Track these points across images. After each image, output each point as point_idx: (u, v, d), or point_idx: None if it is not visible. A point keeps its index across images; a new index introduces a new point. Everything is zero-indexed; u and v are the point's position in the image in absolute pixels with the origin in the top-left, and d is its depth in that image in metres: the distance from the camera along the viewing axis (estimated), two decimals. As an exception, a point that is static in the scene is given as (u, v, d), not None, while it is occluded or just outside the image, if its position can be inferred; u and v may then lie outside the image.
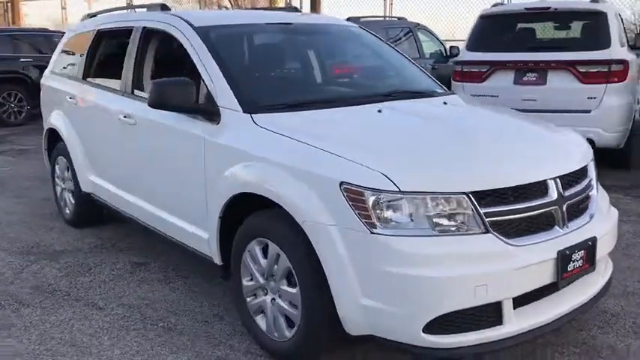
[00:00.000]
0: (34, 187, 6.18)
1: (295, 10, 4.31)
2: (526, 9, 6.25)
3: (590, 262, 2.57)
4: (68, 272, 3.91)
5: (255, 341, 2.90)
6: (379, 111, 2.96)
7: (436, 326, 2.25)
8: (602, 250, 2.66)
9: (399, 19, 8.39)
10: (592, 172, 2.82)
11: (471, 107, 3.52)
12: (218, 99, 2.98)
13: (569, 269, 2.45)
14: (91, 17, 4.92)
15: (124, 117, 3.64)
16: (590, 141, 4.81)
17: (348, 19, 6.40)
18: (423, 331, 2.25)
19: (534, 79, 5.92)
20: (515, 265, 2.30)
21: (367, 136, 2.69)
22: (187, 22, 3.40)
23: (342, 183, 2.32)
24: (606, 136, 5.68)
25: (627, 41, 6.55)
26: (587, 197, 2.73)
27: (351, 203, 2.30)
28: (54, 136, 4.91)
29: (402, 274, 2.22)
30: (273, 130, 2.72)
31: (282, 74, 3.65)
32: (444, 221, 2.28)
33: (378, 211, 2.27)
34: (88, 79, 4.38)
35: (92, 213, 4.73)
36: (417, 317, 2.24)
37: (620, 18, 6.53)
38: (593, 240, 2.56)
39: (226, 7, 31.90)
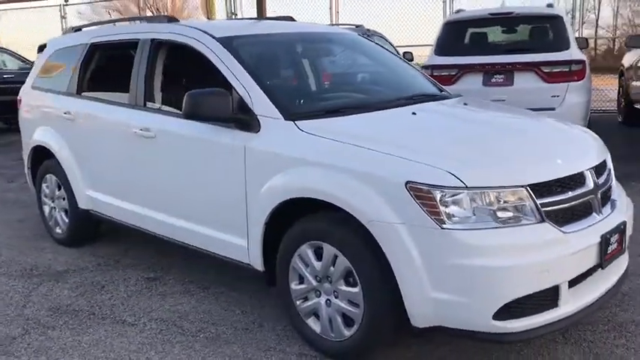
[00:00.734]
0: (3, 210, 5.93)
1: (290, 19, 4.38)
2: (490, 14, 6.60)
3: (621, 244, 2.80)
4: (81, 292, 3.81)
5: (307, 344, 2.96)
6: (413, 113, 3.10)
7: (505, 312, 2.40)
8: (629, 232, 2.91)
9: (357, 26, 8.60)
10: (610, 164, 3.07)
11: (490, 107, 3.70)
12: (255, 107, 3.02)
13: (609, 251, 2.67)
14: (76, 31, 4.80)
15: (140, 130, 3.59)
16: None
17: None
18: (493, 318, 2.39)
19: (502, 80, 6.25)
20: (569, 250, 2.48)
21: (415, 136, 2.82)
22: (207, 33, 3.42)
23: (407, 182, 2.43)
24: (570, 131, 6.07)
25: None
26: (610, 186, 2.97)
27: (418, 201, 2.41)
28: (39, 154, 4.75)
29: (473, 265, 2.35)
30: (322, 135, 2.79)
31: (308, 81, 3.73)
32: (506, 213, 2.44)
33: (445, 207, 2.39)
34: (85, 94, 4.27)
35: (87, 230, 4.62)
36: (488, 305, 2.38)
37: None
38: (624, 224, 2.80)
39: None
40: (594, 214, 2.70)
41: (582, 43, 7.09)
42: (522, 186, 2.45)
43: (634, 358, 2.75)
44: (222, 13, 17.21)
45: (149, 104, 3.70)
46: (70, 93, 4.37)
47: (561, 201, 2.56)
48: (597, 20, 28.04)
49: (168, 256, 4.31)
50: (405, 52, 9.21)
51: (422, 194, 2.41)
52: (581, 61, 6.18)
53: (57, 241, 4.75)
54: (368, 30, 9.24)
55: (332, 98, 3.52)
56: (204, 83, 3.37)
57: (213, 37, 3.38)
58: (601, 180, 2.82)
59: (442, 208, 2.39)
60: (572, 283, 2.56)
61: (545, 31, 6.52)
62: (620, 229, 2.76)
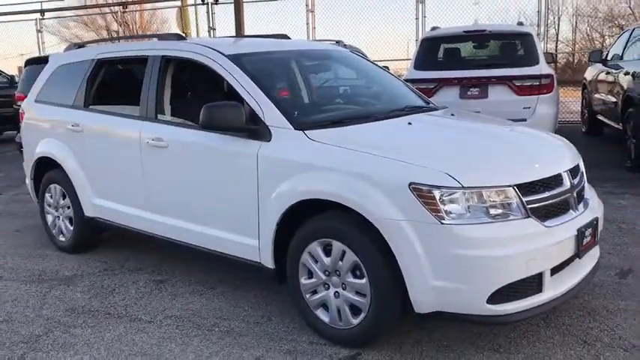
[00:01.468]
0: (-1, 220, 6.10)
1: (285, 37, 4.70)
2: (465, 32, 7.04)
3: (594, 237, 3.17)
4: (94, 294, 4.02)
5: (316, 333, 3.24)
6: (409, 123, 3.44)
7: (497, 297, 2.73)
8: (600, 227, 3.29)
9: (336, 42, 8.97)
10: (582, 167, 3.45)
11: (475, 117, 4.06)
12: (266, 119, 3.32)
13: (584, 243, 3.03)
14: (79, 47, 5.03)
15: (153, 140, 3.85)
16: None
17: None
18: (487, 302, 2.72)
19: (477, 93, 6.67)
20: (551, 241, 2.84)
21: (414, 143, 3.16)
22: (217, 50, 3.71)
23: (411, 183, 2.76)
24: (540, 140, 6.52)
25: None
26: (583, 186, 3.35)
27: (420, 200, 2.74)
28: (42, 165, 4.95)
29: (469, 255, 2.68)
30: (330, 143, 3.10)
31: (311, 94, 4.04)
32: (496, 210, 2.78)
33: (444, 205, 2.72)
34: (92, 107, 4.50)
35: (91, 238, 4.83)
36: (483, 291, 2.71)
37: None
38: (597, 219, 3.18)
39: (116, 32, 31.38)
40: (571, 210, 3.06)
41: (549, 57, 7.58)
42: (510, 186, 2.80)
43: (607, 339, 3.11)
44: (195, 27, 17.51)
45: (160, 116, 3.95)
46: (76, 106, 4.59)
47: (543, 199, 2.91)
48: (557, 35, 29.14)
49: (170, 260, 4.55)
50: (383, 67, 9.61)
51: (423, 194, 2.74)
52: (550, 75, 6.65)
53: (60, 248, 4.94)
54: (345, 45, 9.63)
55: (334, 110, 3.85)
56: (213, 96, 3.67)
57: (223, 55, 3.67)
58: (576, 181, 3.20)
59: (441, 206, 2.72)
60: (554, 271, 2.91)
61: (517, 47, 6.99)
62: (593, 224, 3.14)
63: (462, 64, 6.86)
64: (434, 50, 7.06)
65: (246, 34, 12.98)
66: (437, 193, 2.73)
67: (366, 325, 3.01)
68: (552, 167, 3.06)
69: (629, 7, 25.22)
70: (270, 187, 3.26)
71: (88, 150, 4.47)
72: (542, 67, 6.64)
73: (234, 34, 13.05)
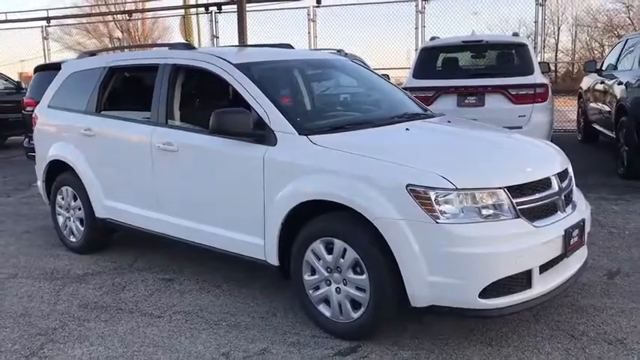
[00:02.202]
0: (5, 222, 6.26)
1: (289, 46, 4.91)
2: (463, 42, 7.26)
3: (581, 237, 3.37)
4: (105, 291, 4.20)
5: (319, 327, 3.42)
6: (407, 129, 3.64)
7: (488, 292, 2.91)
8: (587, 229, 3.48)
9: (337, 50, 9.18)
10: (571, 171, 3.64)
11: (470, 124, 4.26)
12: (272, 124, 3.52)
13: (571, 243, 3.22)
14: (91, 55, 5.24)
15: (163, 144, 4.04)
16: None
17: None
18: (479, 296, 2.91)
19: (474, 101, 6.88)
20: (540, 240, 3.03)
21: (411, 148, 3.36)
22: (225, 59, 3.91)
23: (408, 185, 2.95)
24: (536, 147, 6.73)
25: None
26: (572, 190, 3.54)
27: (417, 201, 2.93)
28: (54, 168, 5.15)
29: (462, 253, 2.87)
30: (332, 147, 3.30)
31: (314, 101, 4.24)
32: (488, 210, 2.97)
33: (439, 205, 2.92)
34: (104, 112, 4.70)
35: (102, 238, 5.02)
36: (475, 285, 2.89)
37: None
38: (583, 221, 3.37)
39: (118, 39, 31.72)
40: (559, 212, 3.25)
41: (544, 67, 7.80)
42: (501, 188, 2.99)
43: (592, 333, 3.30)
44: (197, 35, 17.77)
45: (170, 121, 4.15)
46: (89, 111, 4.79)
47: (532, 200, 3.10)
48: (557, 44, 29.43)
49: (177, 260, 4.74)
50: (382, 75, 9.83)
51: (420, 195, 2.93)
52: (544, 85, 6.86)
53: (71, 249, 5.12)
54: (346, 54, 9.85)
55: (335, 116, 4.05)
56: (220, 103, 3.86)
57: (231, 64, 3.87)
58: (564, 184, 3.39)
59: (436, 206, 2.91)
60: (543, 269, 3.09)
61: (512, 57, 7.20)
62: (580, 225, 3.33)
63: (460, 73, 7.07)
64: (432, 59, 7.28)
65: (249, 42, 13.22)
66: (432, 194, 2.92)
67: (366, 319, 3.19)
68: (542, 171, 3.25)
69: (629, 18, 25.54)
70: (275, 189, 3.45)
71: (99, 154, 4.66)
72: (537, 77, 6.86)
73: (236, 42, 13.29)
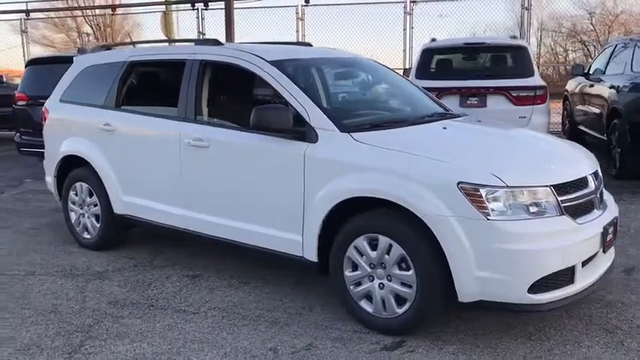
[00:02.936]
0: (6, 219, 6.13)
1: (308, 45, 4.93)
2: (465, 43, 7.39)
3: (615, 234, 3.48)
4: (131, 288, 4.16)
5: (359, 323, 3.46)
6: (444, 128, 3.71)
7: (536, 287, 3.00)
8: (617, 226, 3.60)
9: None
10: (600, 172, 3.76)
11: (499, 124, 4.34)
12: (312, 121, 3.54)
13: (607, 240, 3.34)
14: (107, 49, 5.17)
15: (194, 141, 4.02)
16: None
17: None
18: (528, 292, 2.99)
19: (476, 102, 7.00)
20: (582, 237, 3.13)
21: (455, 146, 3.43)
22: (259, 56, 3.92)
23: (459, 182, 3.01)
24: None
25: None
26: (602, 189, 3.66)
27: (468, 198, 2.99)
28: (67, 163, 5.06)
29: (513, 249, 2.95)
30: (377, 145, 3.34)
31: (348, 99, 4.27)
32: (535, 208, 3.05)
33: (489, 202, 2.99)
34: (125, 107, 4.65)
35: (118, 235, 4.96)
36: (524, 281, 2.97)
37: None
38: (616, 218, 3.49)
39: (87, 34, 31.14)
40: (595, 210, 3.36)
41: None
42: (547, 186, 3.08)
43: (626, 327, 3.41)
44: (179, 32, 17.56)
45: (199, 117, 4.13)
46: (107, 106, 4.73)
47: (574, 198, 3.20)
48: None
49: (197, 257, 4.72)
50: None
51: (471, 192, 2.99)
52: (544, 87, 7.04)
53: (85, 245, 5.04)
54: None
55: (368, 114, 4.08)
56: (250, 99, 3.86)
57: (266, 60, 3.88)
58: (597, 184, 3.50)
59: (487, 203, 2.98)
60: (583, 265, 3.20)
61: (513, 59, 7.36)
62: (614, 222, 3.45)
63: (462, 74, 7.20)
64: (435, 60, 7.39)
65: (236, 40, 13.15)
66: (483, 192, 2.99)
67: (411, 314, 3.24)
68: (579, 170, 3.35)
69: (591, 24, 26.15)
70: (316, 186, 3.48)
71: (119, 149, 4.61)
72: (537, 79, 7.03)
73: (224, 40, 13.22)
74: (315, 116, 3.55)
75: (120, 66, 4.76)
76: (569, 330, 3.40)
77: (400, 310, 3.28)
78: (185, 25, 15.03)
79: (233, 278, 4.30)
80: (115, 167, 4.66)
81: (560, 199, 3.11)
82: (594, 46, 25.37)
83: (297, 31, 13.17)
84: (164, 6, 18.26)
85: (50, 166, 5.28)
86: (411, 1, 12.38)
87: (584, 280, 3.19)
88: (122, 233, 4.99)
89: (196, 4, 13.83)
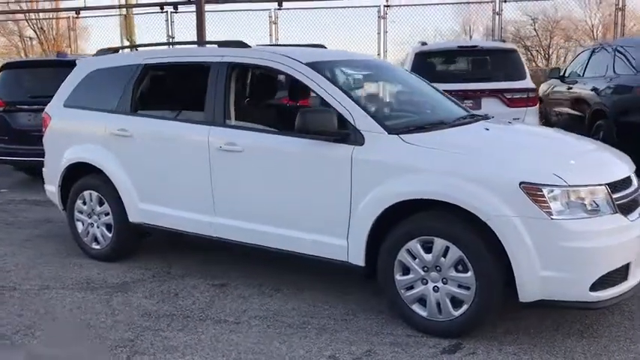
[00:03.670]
0: None
1: (322, 46, 4.88)
2: (459, 47, 7.48)
3: (654, 232, 3.57)
4: (159, 299, 4.00)
5: (410, 326, 3.42)
6: (487, 129, 3.72)
7: (597, 284, 3.04)
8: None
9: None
10: None
11: (532, 125, 4.40)
12: (357, 124, 3.49)
13: (652, 236, 3.42)
14: (114, 52, 4.97)
15: (226, 145, 3.90)
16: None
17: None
18: (590, 289, 3.02)
19: (471, 104, 7.08)
20: (635, 234, 3.19)
21: (507, 147, 3.45)
22: (294, 58, 3.84)
23: (521, 183, 3.02)
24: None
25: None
26: (639, 188, 3.74)
27: (531, 198, 3.00)
28: (72, 171, 4.85)
29: (577, 247, 2.98)
30: (429, 146, 3.32)
31: (387, 101, 4.23)
32: (592, 206, 3.09)
33: (552, 202, 3.01)
34: (142, 112, 4.47)
35: (132, 244, 4.77)
36: (588, 279, 3.01)
37: None
38: (659, 218, 3.58)
39: (30, 37, 30.07)
40: (638, 208, 3.44)
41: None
42: (603, 184, 3.13)
43: (668, 321, 3.51)
44: (141, 36, 17.16)
45: (228, 121, 4.01)
46: (121, 111, 4.54)
47: (623, 197, 3.26)
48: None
49: (215, 265, 4.59)
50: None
51: (533, 192, 3.01)
52: (535, 89, 7.21)
53: (94, 256, 4.82)
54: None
55: (407, 116, 4.06)
56: (285, 101, 3.78)
57: (302, 63, 3.80)
58: (638, 183, 3.58)
59: (550, 202, 3.00)
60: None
61: (505, 62, 7.50)
62: (654, 220, 3.53)
63: (456, 77, 7.28)
64: (428, 64, 7.45)
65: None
66: (545, 191, 3.00)
67: (468, 316, 3.23)
68: (625, 170, 3.43)
69: (534, 29, 26.97)
70: (365, 189, 3.42)
71: (137, 155, 4.43)
72: (529, 82, 7.18)
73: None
74: (360, 119, 3.50)
75: (133, 69, 4.58)
76: (617, 326, 3.45)
77: (457, 313, 3.26)
78: (151, 28, 14.69)
79: (262, 286, 4.18)
80: (131, 174, 4.48)
81: (613, 197, 3.16)
82: (537, 51, 26.29)
83: (271, 35, 13.09)
84: (125, 9, 17.87)
85: (52, 175, 5.04)
86: (384, 6, 12.48)
87: (635, 277, 3.25)
88: (135, 243, 4.80)
89: (165, 7, 13.53)
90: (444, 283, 3.28)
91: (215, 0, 13.05)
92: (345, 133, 3.50)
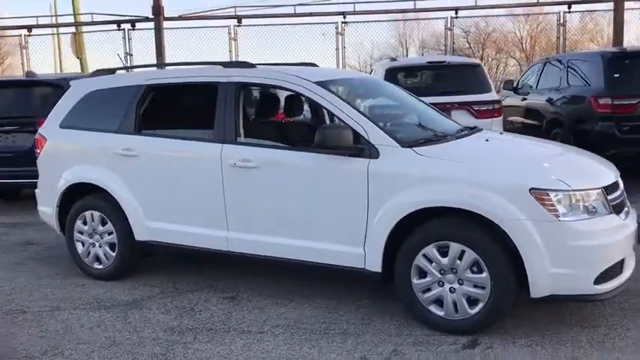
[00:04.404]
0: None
1: (313, 65, 5.11)
2: (428, 62, 7.86)
3: (638, 233, 3.95)
4: (176, 315, 4.08)
5: (429, 327, 3.66)
6: (487, 140, 4.03)
7: (599, 278, 3.36)
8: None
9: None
10: None
11: (521, 136, 4.70)
12: (371, 138, 3.72)
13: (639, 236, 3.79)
14: (109, 73, 5.03)
15: (241, 161, 4.05)
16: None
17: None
18: (594, 283, 3.35)
19: (443, 117, 7.46)
20: (629, 231, 3.55)
21: (510, 156, 3.77)
22: (303, 77, 4.04)
23: (531, 189, 3.33)
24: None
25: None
26: (623, 193, 4.13)
27: (540, 202, 3.31)
28: (70, 192, 4.87)
29: (583, 245, 3.30)
30: (442, 158, 3.59)
31: (393, 116, 4.47)
32: (592, 207, 3.42)
33: (558, 205, 3.32)
34: (147, 132, 4.56)
35: (136, 262, 4.83)
36: (591, 274, 3.33)
37: None
38: (639, 216, 3.96)
39: None
40: (626, 208, 3.81)
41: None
42: (600, 188, 3.48)
43: (653, 310, 3.89)
44: (94, 53, 16.88)
45: (239, 139, 4.16)
46: (125, 131, 4.60)
47: (615, 198, 3.62)
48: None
49: (225, 278, 4.70)
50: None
51: (542, 196, 3.31)
52: (500, 101, 7.66)
53: (96, 276, 4.83)
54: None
55: (412, 130, 4.32)
56: (297, 119, 3.97)
57: (311, 81, 4.01)
58: (622, 186, 3.96)
59: (557, 206, 3.31)
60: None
61: (471, 76, 7.93)
62: (639, 220, 3.92)
63: (426, 91, 7.63)
64: (399, 78, 7.79)
65: (167, 60, 12.93)
66: (552, 195, 3.32)
67: (485, 314, 3.50)
68: (612, 175, 3.79)
69: (467, 42, 28.14)
70: (381, 199, 3.65)
71: (144, 174, 4.50)
72: (494, 94, 7.63)
73: (154, 60, 12.95)
74: (374, 133, 3.73)
75: (135, 90, 4.66)
76: (611, 317, 3.80)
77: (473, 311, 3.53)
78: (106, 45, 14.50)
79: (273, 297, 4.33)
80: (136, 192, 4.55)
81: (608, 198, 3.51)
82: (471, 63, 27.44)
83: (231, 51, 13.21)
84: (74, 27, 17.54)
85: (49, 196, 5.02)
86: (342, 22, 12.83)
87: (628, 270, 3.60)
88: (139, 261, 4.85)
89: (122, 25, 13.43)
90: (460, 284, 3.54)
91: (173, 17, 13.06)
92: (359, 148, 3.73)
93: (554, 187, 3.33)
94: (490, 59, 29.01)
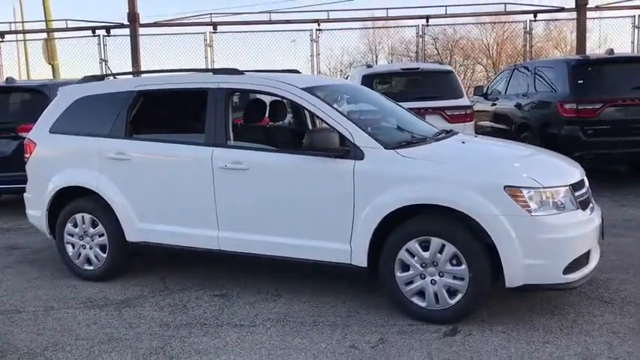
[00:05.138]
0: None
1: (296, 72, 5.33)
2: (402, 69, 8.17)
3: (602, 228, 4.26)
4: (169, 312, 4.24)
5: (411, 317, 3.90)
6: (463, 142, 4.30)
7: (568, 269, 3.66)
8: (601, 221, 4.40)
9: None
10: None
11: (493, 139, 4.99)
12: (356, 141, 3.95)
13: (603, 230, 4.11)
14: (98, 79, 5.17)
15: (231, 164, 4.25)
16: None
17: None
18: (563, 273, 3.64)
19: (417, 121, 7.75)
20: (594, 225, 3.86)
21: (486, 156, 4.05)
22: (290, 84, 4.27)
23: (505, 186, 3.60)
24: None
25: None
26: (588, 191, 4.44)
27: (513, 199, 3.59)
28: (59, 196, 4.99)
29: (553, 238, 3.59)
30: (422, 158, 3.85)
31: (375, 120, 4.71)
32: (561, 203, 3.72)
33: (530, 201, 3.60)
34: (138, 136, 4.72)
35: (125, 264, 4.97)
36: (560, 264, 3.62)
37: None
38: (603, 214, 4.28)
39: None
40: (591, 205, 4.12)
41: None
42: (568, 185, 3.78)
43: (618, 299, 4.19)
44: (68, 60, 16.84)
45: (229, 142, 4.36)
46: (115, 135, 4.75)
47: (580, 195, 3.92)
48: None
49: (214, 277, 4.87)
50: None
51: (515, 193, 3.59)
52: (471, 106, 7.99)
53: (85, 277, 4.96)
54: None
55: (393, 133, 4.57)
56: (284, 123, 4.18)
57: (298, 87, 4.24)
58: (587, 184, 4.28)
59: (529, 202, 3.60)
60: (589, 249, 3.92)
61: (444, 82, 8.26)
62: (603, 217, 4.23)
63: (401, 96, 7.91)
64: (374, 85, 8.07)
65: (142, 67, 13.00)
66: (525, 192, 3.60)
67: (463, 304, 3.76)
68: (578, 174, 4.09)
69: (436, 48, 28.75)
70: (366, 198, 3.89)
71: (135, 177, 4.66)
72: (466, 100, 7.97)
73: (129, 67, 13.02)
74: (358, 136, 3.97)
75: (125, 96, 4.81)
76: (578, 305, 4.10)
77: (452, 302, 3.78)
78: (81, 51, 14.48)
79: (262, 293, 4.52)
80: (128, 195, 4.70)
81: (575, 195, 3.81)
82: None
83: (206, 58, 13.34)
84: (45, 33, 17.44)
85: (38, 200, 5.13)
86: (316, 30, 13.09)
87: (593, 262, 3.91)
88: (128, 262, 5.00)
89: (97, 31, 13.46)
90: (441, 276, 3.79)
91: (149, 23, 13.15)
92: (345, 150, 3.96)
93: (526, 185, 3.62)
94: (458, 65, 29.60)
